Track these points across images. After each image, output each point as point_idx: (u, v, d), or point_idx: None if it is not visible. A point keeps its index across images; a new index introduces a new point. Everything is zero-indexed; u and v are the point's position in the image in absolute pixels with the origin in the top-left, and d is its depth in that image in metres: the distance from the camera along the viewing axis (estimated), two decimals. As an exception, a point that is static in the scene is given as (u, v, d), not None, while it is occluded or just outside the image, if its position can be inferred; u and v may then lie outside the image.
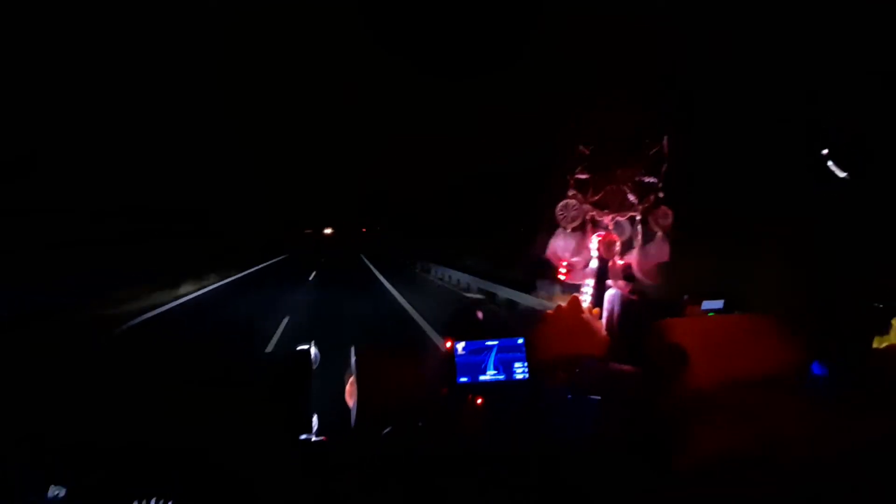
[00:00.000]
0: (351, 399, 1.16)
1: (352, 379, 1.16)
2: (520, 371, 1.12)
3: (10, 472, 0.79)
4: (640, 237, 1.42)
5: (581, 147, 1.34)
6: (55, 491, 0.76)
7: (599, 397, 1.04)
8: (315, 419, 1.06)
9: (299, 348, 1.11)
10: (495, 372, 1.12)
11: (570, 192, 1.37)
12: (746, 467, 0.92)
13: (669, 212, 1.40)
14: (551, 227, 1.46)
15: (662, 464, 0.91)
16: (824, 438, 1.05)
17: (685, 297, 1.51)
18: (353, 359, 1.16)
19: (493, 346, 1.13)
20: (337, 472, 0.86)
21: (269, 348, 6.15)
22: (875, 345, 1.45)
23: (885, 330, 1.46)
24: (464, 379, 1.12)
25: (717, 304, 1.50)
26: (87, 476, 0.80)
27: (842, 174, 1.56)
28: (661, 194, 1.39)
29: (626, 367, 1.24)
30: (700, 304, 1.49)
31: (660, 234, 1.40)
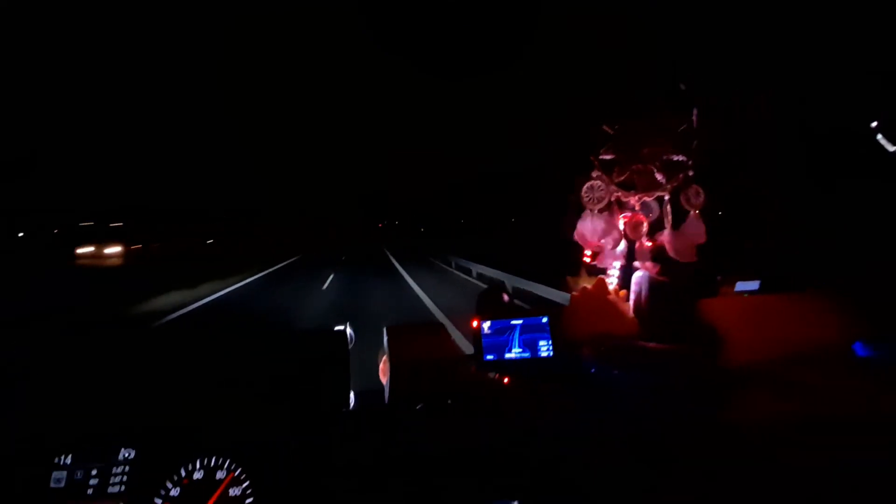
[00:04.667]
0: (384, 377, 1.22)
1: (385, 357, 1.21)
2: (544, 349, 1.14)
3: (84, 437, 0.89)
4: (670, 217, 1.39)
5: (605, 126, 1.33)
6: (126, 452, 0.86)
7: (620, 374, 1.05)
8: (352, 395, 1.12)
9: (336, 328, 1.17)
10: (521, 350, 1.14)
11: (595, 174, 1.36)
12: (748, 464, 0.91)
13: (701, 190, 1.36)
14: (577, 212, 1.46)
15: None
16: (861, 418, 1.02)
17: (718, 277, 1.48)
18: (385, 338, 1.21)
19: (517, 325, 1.15)
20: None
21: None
22: None
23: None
24: (490, 357, 1.15)
25: (753, 285, 1.46)
26: (154, 439, 0.89)
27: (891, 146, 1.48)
28: (690, 172, 1.35)
29: (653, 345, 1.23)
30: (734, 284, 1.45)
31: (693, 213, 1.37)
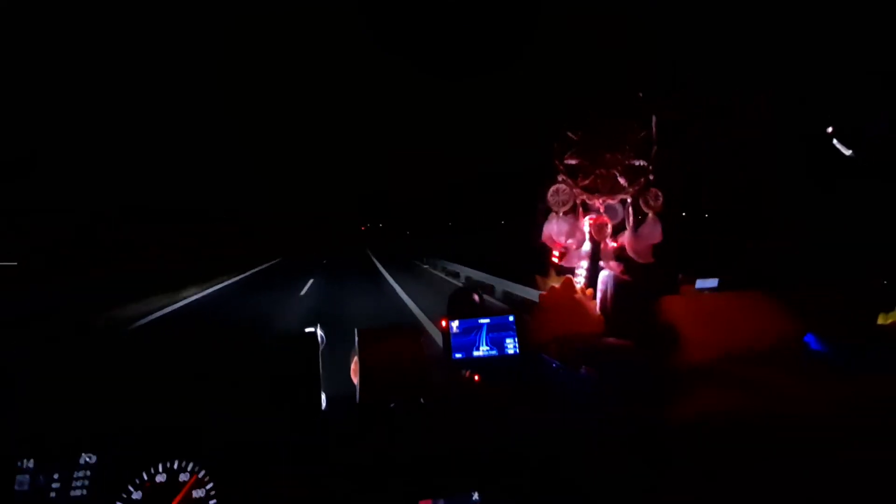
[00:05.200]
0: (356, 377, 1.23)
1: (356, 358, 1.23)
2: (511, 347, 1.18)
3: (47, 441, 0.89)
4: (631, 219, 1.46)
5: (569, 132, 1.38)
6: (87, 457, 0.86)
7: (585, 370, 1.09)
8: (323, 396, 1.13)
9: (307, 330, 1.18)
10: (488, 348, 1.18)
11: (560, 178, 1.41)
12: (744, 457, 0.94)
13: (660, 193, 1.43)
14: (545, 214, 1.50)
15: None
16: (821, 408, 1.08)
17: (679, 276, 1.54)
18: (356, 339, 1.23)
19: (484, 324, 1.19)
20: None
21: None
22: (880, 321, 1.45)
23: (890, 306, 1.46)
24: (458, 355, 1.18)
25: (712, 282, 1.53)
26: (116, 443, 0.89)
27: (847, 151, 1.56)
28: (651, 177, 1.42)
29: (617, 341, 1.28)
30: (694, 282, 1.52)
31: (651, 215, 1.43)
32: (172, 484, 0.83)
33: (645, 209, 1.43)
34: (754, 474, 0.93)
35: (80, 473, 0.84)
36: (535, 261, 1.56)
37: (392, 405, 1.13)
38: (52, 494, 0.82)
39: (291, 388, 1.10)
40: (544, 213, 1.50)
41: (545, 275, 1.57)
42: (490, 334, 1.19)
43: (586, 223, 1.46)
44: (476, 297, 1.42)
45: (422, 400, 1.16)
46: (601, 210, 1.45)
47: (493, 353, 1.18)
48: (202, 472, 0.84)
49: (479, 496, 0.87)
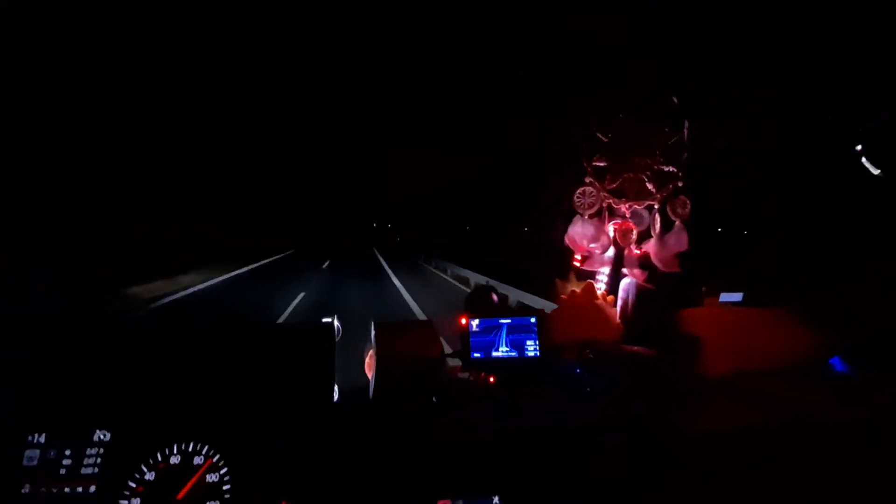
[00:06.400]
0: (370, 371, 1.21)
1: (371, 352, 1.21)
2: (531, 349, 1.15)
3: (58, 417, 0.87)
4: (658, 226, 1.42)
5: (599, 134, 1.35)
6: (100, 434, 0.84)
7: (607, 379, 1.06)
8: (336, 389, 1.11)
9: (324, 320, 1.15)
10: (507, 349, 1.15)
11: (588, 179, 1.38)
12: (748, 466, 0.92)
13: (688, 201, 1.39)
14: (569, 216, 1.47)
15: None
16: (831, 413, 1.05)
17: (703, 288, 1.50)
18: (372, 332, 1.21)
19: (504, 324, 1.16)
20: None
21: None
22: None
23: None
24: (477, 355, 1.15)
25: (736, 296, 1.49)
26: (131, 422, 0.86)
27: (875, 170, 1.52)
28: (680, 183, 1.38)
29: (638, 349, 1.25)
30: (718, 295, 1.48)
31: (678, 223, 1.39)
32: (186, 466, 0.81)
33: (672, 217, 1.39)
34: (754, 475, 0.90)
35: (93, 451, 0.82)
36: (554, 267, 1.53)
37: (405, 402, 1.11)
38: (62, 471, 0.80)
39: (298, 388, 1.07)
40: (568, 214, 1.47)
41: (565, 278, 1.54)
42: (510, 335, 1.16)
43: (611, 228, 1.42)
44: (495, 297, 1.40)
45: (434, 399, 1.14)
46: (627, 215, 1.42)
47: (513, 354, 1.15)
48: (217, 457, 0.82)
49: (499, 500, 0.84)
